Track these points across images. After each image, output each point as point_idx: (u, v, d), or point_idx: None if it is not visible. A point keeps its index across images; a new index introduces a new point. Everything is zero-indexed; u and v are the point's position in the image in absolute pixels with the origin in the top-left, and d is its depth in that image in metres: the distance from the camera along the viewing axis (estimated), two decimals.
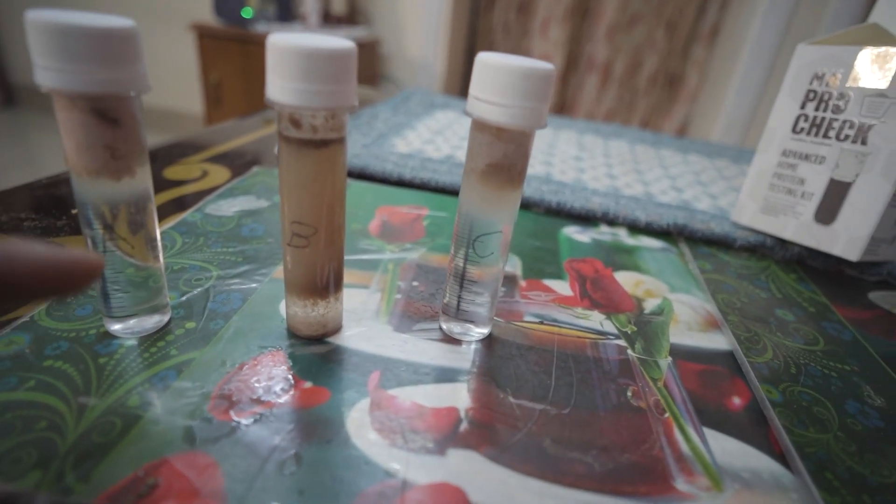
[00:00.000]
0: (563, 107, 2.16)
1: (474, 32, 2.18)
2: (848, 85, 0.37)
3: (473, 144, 0.23)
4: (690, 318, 0.33)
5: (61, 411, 0.21)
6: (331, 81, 0.20)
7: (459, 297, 0.26)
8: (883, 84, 0.36)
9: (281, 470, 0.19)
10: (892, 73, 0.35)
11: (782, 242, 0.43)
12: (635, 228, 0.45)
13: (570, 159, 0.61)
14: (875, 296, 0.39)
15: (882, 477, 0.22)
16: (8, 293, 0.14)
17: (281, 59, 0.20)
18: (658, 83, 2.03)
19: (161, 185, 0.43)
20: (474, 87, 0.22)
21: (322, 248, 0.24)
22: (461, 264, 0.26)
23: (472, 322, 0.27)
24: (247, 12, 1.66)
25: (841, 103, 0.38)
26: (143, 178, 0.23)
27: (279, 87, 0.20)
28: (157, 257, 0.25)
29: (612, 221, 0.45)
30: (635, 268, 0.38)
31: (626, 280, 0.36)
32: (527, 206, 0.47)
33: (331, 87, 0.20)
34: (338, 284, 0.26)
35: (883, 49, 0.35)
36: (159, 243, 0.25)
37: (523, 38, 2.09)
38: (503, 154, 0.23)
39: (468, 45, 2.21)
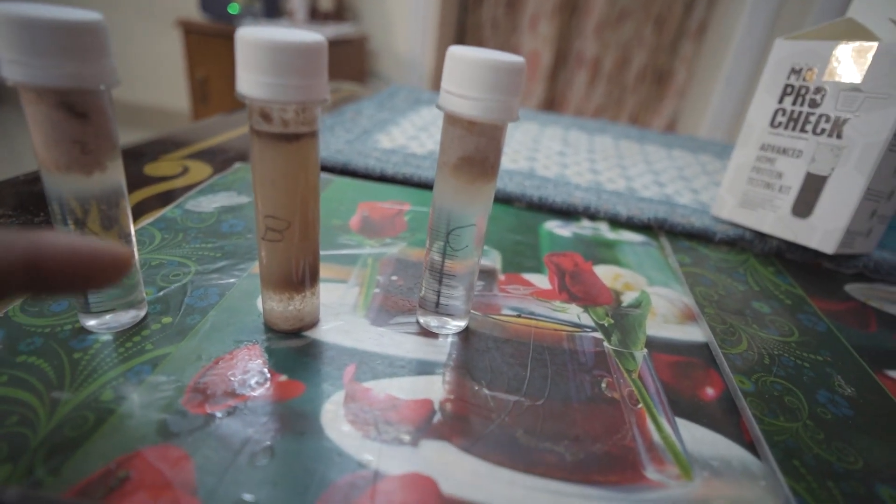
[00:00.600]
0: (552, 103, 2.16)
1: (463, 29, 2.17)
2: (824, 79, 0.38)
3: (446, 138, 0.23)
4: (668, 310, 0.33)
5: (34, 406, 0.20)
6: (300, 75, 0.20)
7: (434, 290, 0.27)
8: (857, 78, 0.36)
9: (253, 462, 0.19)
10: (867, 68, 0.35)
11: (761, 236, 0.43)
12: (616, 223, 0.46)
13: (554, 154, 0.61)
14: (851, 288, 0.40)
15: (847, 464, 0.22)
16: (40, 284, 0.13)
17: (250, 52, 0.20)
18: (646, 79, 2.04)
19: (142, 181, 0.42)
20: (446, 81, 0.22)
21: (296, 241, 0.24)
22: (436, 258, 0.26)
23: (448, 315, 0.27)
24: (233, 8, 1.64)
25: (817, 97, 0.38)
26: (114, 174, 0.23)
27: (249, 80, 0.20)
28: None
29: (593, 216, 0.46)
30: (615, 261, 0.39)
31: (605, 273, 0.37)
32: (509, 200, 0.47)
33: (300, 81, 0.20)
34: (313, 278, 0.26)
35: (857, 44, 0.36)
36: (134, 239, 0.25)
37: (512, 35, 2.09)
38: (475, 147, 0.23)
39: (457, 42, 2.20)
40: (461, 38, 2.19)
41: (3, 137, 2.21)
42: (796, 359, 0.30)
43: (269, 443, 0.20)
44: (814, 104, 0.39)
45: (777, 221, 0.42)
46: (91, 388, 0.22)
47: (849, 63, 0.36)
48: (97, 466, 0.18)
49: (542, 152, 0.61)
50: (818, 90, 0.38)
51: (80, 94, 0.20)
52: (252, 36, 0.19)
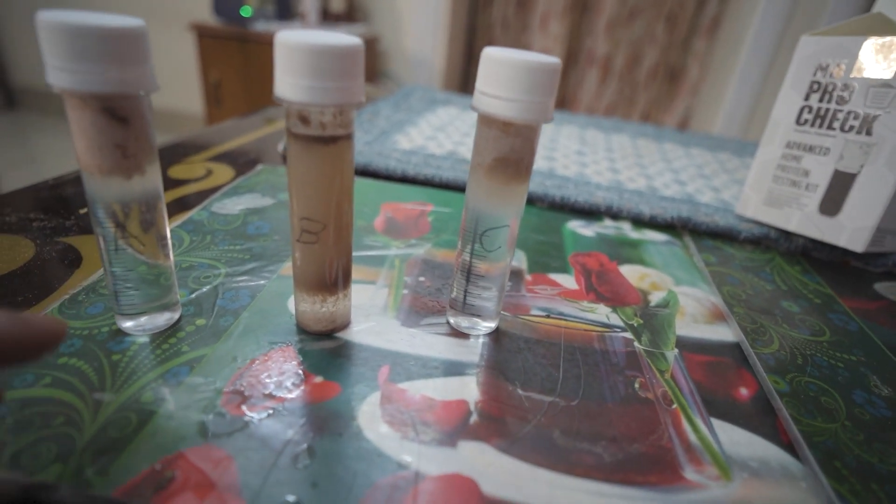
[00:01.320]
0: (564, 101, 2.15)
1: (473, 28, 2.17)
2: (852, 75, 0.37)
3: (480, 139, 0.23)
4: (696, 310, 0.33)
5: (78, 407, 0.21)
6: (339, 78, 0.20)
7: (467, 291, 0.27)
8: (888, 74, 0.36)
9: (294, 463, 0.20)
10: None
11: (787, 234, 0.43)
12: (639, 222, 0.45)
13: (572, 154, 0.61)
14: (881, 286, 0.39)
15: (891, 465, 0.22)
16: None
17: (290, 56, 0.20)
18: (658, 77, 2.03)
19: (166, 184, 0.43)
20: (481, 82, 0.22)
21: (331, 243, 0.24)
22: (468, 259, 0.26)
23: (479, 316, 0.27)
24: (246, 11, 1.66)
25: (845, 94, 0.38)
26: (153, 177, 0.23)
27: (288, 84, 0.20)
28: (167, 255, 0.25)
29: (615, 215, 0.45)
30: (640, 261, 0.38)
31: (631, 273, 0.36)
32: (531, 201, 0.47)
33: (339, 84, 0.20)
34: (346, 280, 0.26)
35: (888, 39, 0.35)
36: (169, 241, 0.25)
37: (522, 34, 2.08)
38: (510, 148, 0.23)
39: (467, 42, 2.20)
40: (471, 38, 2.19)
41: (19, 141, 2.24)
42: (829, 359, 0.29)
43: (308, 444, 0.20)
44: (842, 101, 0.38)
45: (804, 219, 0.41)
46: (132, 389, 0.22)
47: (878, 58, 0.36)
48: (143, 467, 0.19)
49: (560, 151, 0.61)
50: (846, 86, 0.38)
51: (122, 100, 0.20)
52: (292, 39, 0.19)
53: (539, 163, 0.56)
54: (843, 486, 0.21)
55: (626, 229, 0.44)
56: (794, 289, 0.37)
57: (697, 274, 0.38)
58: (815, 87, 0.39)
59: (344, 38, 0.21)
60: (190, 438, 0.20)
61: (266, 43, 1.66)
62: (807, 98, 0.40)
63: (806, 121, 0.40)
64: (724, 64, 1.90)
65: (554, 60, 0.21)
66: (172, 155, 0.50)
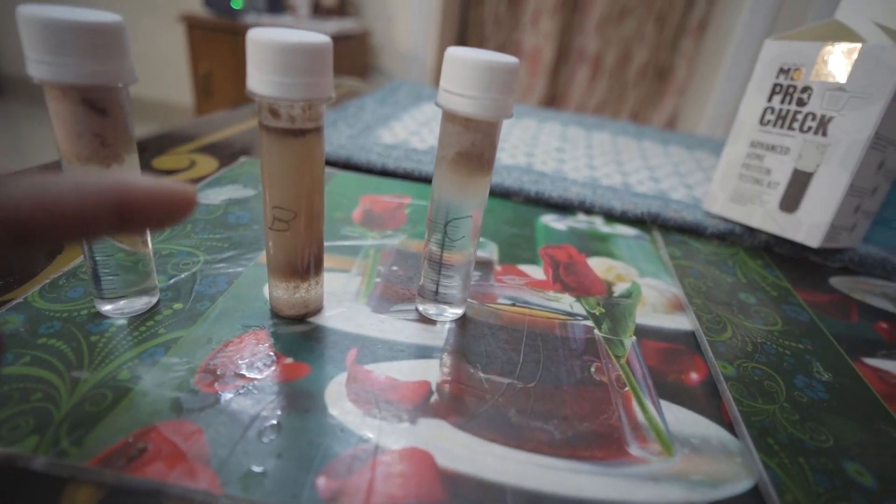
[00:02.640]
0: (554, 99, 2.17)
1: (465, 25, 2.18)
2: (811, 79, 0.39)
3: (444, 134, 0.25)
4: (657, 300, 0.35)
5: (56, 384, 0.22)
6: (307, 74, 0.21)
7: (433, 279, 0.28)
8: (842, 78, 0.37)
9: (261, 436, 0.21)
10: (851, 68, 0.37)
11: (750, 230, 0.45)
12: (611, 217, 0.47)
13: (552, 150, 0.62)
14: (836, 281, 0.41)
15: (819, 442, 0.24)
16: (126, 222, 0.14)
17: (260, 52, 0.21)
18: (647, 76, 2.05)
19: (150, 174, 0.44)
20: (444, 80, 0.23)
21: (302, 231, 0.25)
22: (434, 248, 0.27)
23: (445, 303, 0.29)
24: (236, 3, 1.65)
25: (804, 96, 0.40)
26: (131, 166, 0.24)
27: (259, 79, 0.21)
28: (145, 243, 0.26)
29: (588, 210, 0.47)
30: (608, 254, 0.40)
31: (598, 265, 0.38)
32: (507, 195, 0.48)
33: (307, 80, 0.22)
34: (318, 267, 0.27)
35: (843, 45, 0.37)
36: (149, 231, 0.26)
37: (514, 31, 2.10)
38: (471, 143, 0.24)
39: (459, 38, 2.21)
40: (463, 35, 2.19)
41: (7, 130, 2.22)
42: (778, 347, 0.31)
43: (275, 420, 0.22)
44: (801, 103, 0.40)
45: (765, 216, 0.43)
46: (108, 368, 0.23)
47: (834, 63, 0.38)
48: (117, 439, 0.20)
49: (540, 148, 0.62)
50: (805, 89, 0.39)
51: (101, 91, 0.21)
52: (263, 36, 0.21)
53: (519, 158, 0.57)
54: (773, 459, 0.22)
55: (598, 223, 0.45)
56: (753, 282, 0.39)
57: (662, 266, 0.39)
58: (778, 89, 0.41)
59: (313, 35, 0.22)
60: (163, 413, 0.21)
61: None
62: (770, 99, 0.42)
63: (769, 121, 0.42)
64: (710, 64, 1.93)
65: (512, 60, 0.23)
66: (158, 146, 0.50)
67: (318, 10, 1.85)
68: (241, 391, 0.23)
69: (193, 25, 1.73)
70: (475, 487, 0.20)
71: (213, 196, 0.41)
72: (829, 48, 0.38)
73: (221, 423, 0.21)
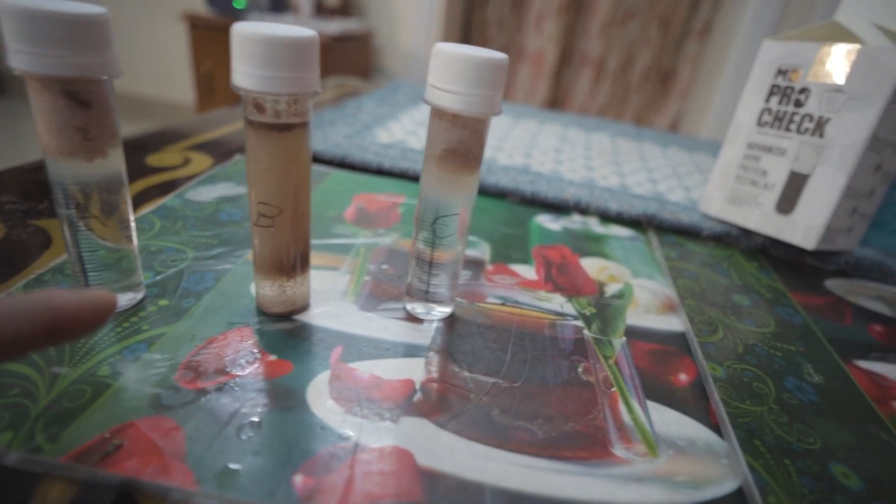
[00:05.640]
0: (557, 101, 2.17)
1: (468, 26, 2.18)
2: (809, 80, 0.39)
3: (431, 131, 0.24)
4: (649, 301, 0.34)
5: (34, 379, 0.22)
6: (292, 68, 0.21)
7: (420, 277, 0.28)
8: (840, 80, 0.37)
9: (239, 433, 0.21)
10: (849, 70, 0.36)
11: (747, 232, 0.44)
12: (607, 218, 0.47)
13: (550, 151, 0.62)
14: (831, 283, 0.41)
15: (806, 444, 0.23)
16: (55, 339, 0.15)
17: (244, 46, 0.21)
18: (651, 79, 2.04)
19: (144, 171, 0.44)
20: (431, 76, 0.23)
21: (288, 228, 0.25)
22: (422, 246, 0.27)
23: (434, 302, 0.29)
24: (239, 3, 1.66)
25: (802, 97, 0.39)
26: (115, 160, 0.24)
27: (243, 73, 0.21)
28: (130, 239, 0.26)
29: (584, 211, 0.47)
30: (602, 254, 0.40)
31: (591, 266, 0.38)
32: (503, 195, 0.48)
33: (292, 74, 0.21)
34: (304, 265, 0.27)
35: (841, 46, 0.37)
36: (133, 226, 0.26)
37: (517, 33, 2.09)
38: (459, 140, 0.24)
39: (462, 39, 2.21)
40: (466, 36, 2.19)
41: (9, 127, 2.23)
42: (770, 349, 0.31)
43: (256, 417, 0.21)
44: (798, 104, 0.39)
45: (762, 218, 0.42)
46: (89, 364, 0.23)
47: (832, 65, 0.37)
48: (93, 435, 0.20)
49: (538, 149, 0.62)
50: (803, 90, 0.39)
51: (84, 84, 0.21)
52: (247, 30, 0.20)
53: (516, 159, 0.57)
54: (759, 461, 0.22)
55: (593, 224, 0.45)
56: (747, 284, 0.38)
57: (656, 268, 0.39)
58: (775, 90, 0.41)
59: (299, 30, 0.22)
60: (142, 409, 0.21)
61: None
62: (767, 100, 0.41)
63: (766, 122, 0.42)
64: (714, 67, 1.92)
65: (500, 56, 0.22)
66: (154, 143, 0.50)
67: (321, 10, 1.85)
68: (223, 388, 0.23)
69: (196, 25, 1.73)
70: (455, 486, 0.20)
71: (204, 193, 0.40)
72: (827, 49, 0.38)
73: (200, 419, 0.21)
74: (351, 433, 0.21)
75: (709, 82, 1.95)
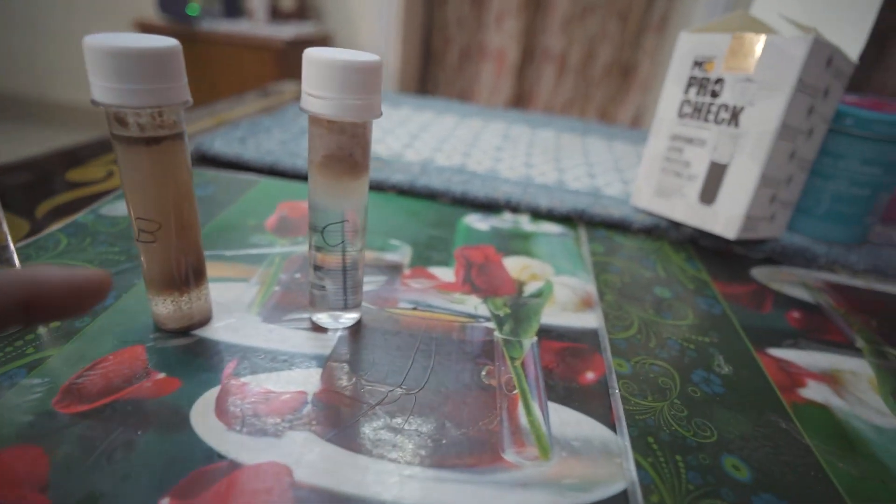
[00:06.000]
0: (521, 98, 2.17)
1: (429, 27, 2.17)
2: (722, 71, 0.39)
3: (310, 137, 0.24)
4: (568, 298, 0.34)
5: None
6: (151, 80, 0.21)
7: (316, 285, 0.27)
8: (749, 69, 0.37)
9: (110, 457, 0.20)
10: (756, 59, 0.37)
11: (676, 224, 0.45)
12: (538, 215, 0.47)
13: (490, 150, 0.62)
14: (757, 272, 0.41)
15: (702, 438, 0.23)
16: (34, 316, 0.14)
17: (96, 59, 0.20)
18: (612, 73, 2.06)
19: (62, 187, 0.42)
20: (304, 83, 0.23)
21: (173, 242, 0.24)
22: (314, 253, 0.26)
23: (331, 309, 0.28)
24: (192, 9, 1.63)
25: (717, 88, 0.40)
26: None
27: (98, 86, 0.20)
28: (10, 265, 0.25)
29: (515, 209, 0.47)
30: (526, 252, 0.40)
31: (513, 265, 0.37)
32: (433, 196, 0.48)
33: (151, 86, 0.21)
34: (199, 278, 0.26)
35: (749, 36, 0.37)
36: (13, 253, 0.25)
37: (478, 32, 2.10)
38: (337, 145, 0.23)
39: (423, 41, 2.20)
40: (427, 37, 2.19)
41: None
42: (683, 341, 0.31)
43: (130, 438, 0.21)
44: (714, 94, 0.40)
45: (687, 209, 0.43)
46: None
47: (742, 54, 0.38)
48: None
49: (479, 148, 0.62)
50: (717, 81, 0.39)
51: None
52: (97, 43, 0.20)
53: (454, 159, 0.56)
54: (648, 459, 0.22)
55: (524, 222, 0.45)
56: (672, 276, 0.38)
57: (580, 264, 0.39)
58: (693, 81, 0.41)
59: (156, 39, 0.21)
60: (7, 439, 0.20)
61: (213, 42, 1.63)
62: (686, 91, 0.42)
63: (686, 114, 0.42)
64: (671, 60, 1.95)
65: (370, 59, 0.22)
66: (77, 157, 0.49)
67: (277, 15, 1.83)
68: (103, 411, 0.22)
69: (148, 32, 1.70)
70: (329, 501, 0.19)
71: (121, 208, 0.39)
72: (737, 39, 0.38)
73: (71, 445, 0.20)
74: (229, 451, 0.21)
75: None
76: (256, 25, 1.71)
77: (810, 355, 0.31)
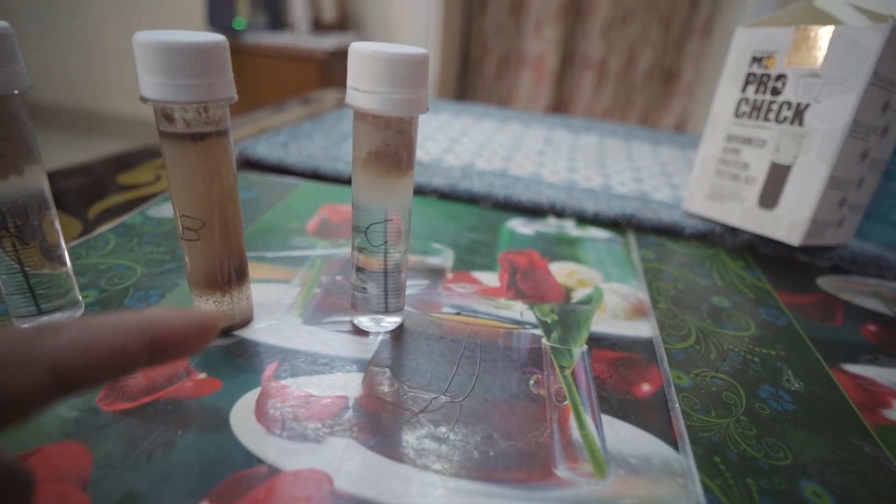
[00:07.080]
0: (560, 105, 2.15)
1: (468, 35, 2.18)
2: (785, 66, 0.37)
3: (355, 133, 0.23)
4: (619, 306, 0.32)
5: None
6: (198, 75, 0.20)
7: (358, 287, 0.26)
8: (815, 63, 0.35)
9: (150, 457, 0.19)
10: (824, 53, 0.34)
11: (732, 230, 0.42)
12: (584, 220, 0.45)
13: (532, 154, 0.60)
14: (823, 281, 0.38)
15: (774, 460, 0.21)
16: (159, 357, 0.15)
17: (144, 55, 0.20)
18: (654, 78, 2.01)
19: (113, 189, 0.43)
20: (349, 77, 0.22)
21: (216, 241, 0.24)
22: (357, 255, 0.26)
23: (373, 313, 0.27)
24: (238, 23, 1.68)
25: (778, 84, 0.37)
26: (33, 178, 0.23)
27: (146, 82, 0.20)
28: (60, 261, 0.25)
29: (560, 213, 0.45)
30: (573, 258, 0.38)
31: (560, 270, 0.36)
32: (475, 200, 0.46)
33: (198, 81, 0.20)
34: (241, 278, 0.26)
35: (815, 28, 0.35)
36: (65, 252, 0.25)
37: (517, 39, 2.09)
38: (383, 141, 0.22)
39: (462, 49, 2.21)
40: (466, 45, 2.19)
41: None
42: (747, 353, 0.29)
43: (171, 438, 0.20)
44: (776, 92, 0.37)
45: (745, 214, 0.40)
46: None
47: (807, 48, 0.35)
48: None
49: (520, 152, 0.61)
50: (779, 77, 0.37)
51: None
52: (145, 38, 0.20)
53: (495, 163, 0.55)
54: (716, 481, 0.20)
55: (569, 227, 0.43)
56: (730, 284, 0.36)
57: (630, 270, 0.37)
58: (751, 78, 0.39)
59: (203, 35, 0.21)
60: (52, 435, 0.20)
61: (257, 54, 1.68)
62: (744, 90, 0.39)
63: (743, 113, 0.40)
64: (718, 64, 1.89)
65: (418, 52, 0.21)
66: (128, 161, 0.50)
67: (319, 26, 1.87)
68: (145, 410, 0.21)
69: None
70: None
71: (166, 210, 0.40)
72: (801, 32, 0.36)
73: (113, 443, 0.20)
74: (269, 455, 0.20)
75: (713, 79, 1.91)
76: (299, 37, 1.75)
77: (893, 373, 0.28)
